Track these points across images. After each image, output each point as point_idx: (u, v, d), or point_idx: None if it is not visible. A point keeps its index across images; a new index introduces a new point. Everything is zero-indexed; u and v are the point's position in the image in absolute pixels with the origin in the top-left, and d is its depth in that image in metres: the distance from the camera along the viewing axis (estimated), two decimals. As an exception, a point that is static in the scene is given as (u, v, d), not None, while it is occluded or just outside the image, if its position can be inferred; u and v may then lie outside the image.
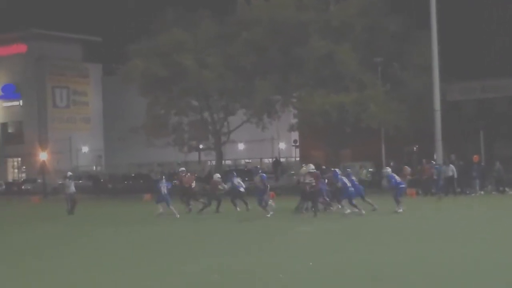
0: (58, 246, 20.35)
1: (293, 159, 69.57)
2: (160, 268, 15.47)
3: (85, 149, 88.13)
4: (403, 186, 28.26)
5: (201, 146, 62.68)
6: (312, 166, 27.63)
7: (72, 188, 33.57)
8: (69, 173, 36.15)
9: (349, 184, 27.05)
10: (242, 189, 30.81)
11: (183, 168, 32.92)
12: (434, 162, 37.42)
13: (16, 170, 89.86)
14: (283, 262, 15.44)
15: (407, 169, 36.86)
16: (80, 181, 63.65)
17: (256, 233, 22.04)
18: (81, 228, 26.15)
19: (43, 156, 68.70)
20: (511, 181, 40.38)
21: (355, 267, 14.55)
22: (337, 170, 29.12)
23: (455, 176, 37.95)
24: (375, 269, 14.24)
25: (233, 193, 30.92)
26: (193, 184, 32.19)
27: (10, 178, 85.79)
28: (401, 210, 26.85)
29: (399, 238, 19.41)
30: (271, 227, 23.80)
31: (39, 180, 69.47)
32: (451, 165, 38.06)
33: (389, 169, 29.35)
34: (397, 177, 28.19)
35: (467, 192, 38.57)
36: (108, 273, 15.14)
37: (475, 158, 41.04)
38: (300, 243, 19.12)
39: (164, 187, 29.42)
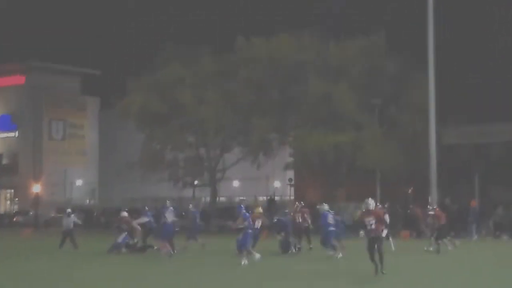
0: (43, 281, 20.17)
1: (287, 198, 69.46)
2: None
3: (79, 182, 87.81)
4: (332, 229, 26.70)
5: (195, 182, 62.57)
6: (370, 202, 20.95)
7: (70, 225, 33.44)
8: (69, 210, 35.92)
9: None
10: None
11: (125, 213, 32.31)
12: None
13: (8, 202, 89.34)
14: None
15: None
16: (73, 215, 63.13)
17: (252, 272, 21.84)
18: (68, 262, 25.89)
19: (36, 188, 68.51)
20: (507, 227, 40.65)
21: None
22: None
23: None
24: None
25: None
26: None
27: (2, 210, 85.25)
28: (339, 255, 25.96)
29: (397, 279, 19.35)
30: (267, 266, 23.62)
31: (31, 213, 69.09)
32: None
33: (326, 206, 27.95)
34: (330, 218, 26.91)
35: (462, 236, 38.46)
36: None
37: (473, 203, 41.10)
38: (301, 282, 19.03)
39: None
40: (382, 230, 20.79)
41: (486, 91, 46.71)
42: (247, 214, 24.81)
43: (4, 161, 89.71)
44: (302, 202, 33.87)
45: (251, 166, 57.04)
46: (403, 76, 48.43)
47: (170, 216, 28.37)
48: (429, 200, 44.15)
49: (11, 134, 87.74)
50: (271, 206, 58.38)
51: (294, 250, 28.71)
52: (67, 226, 33.42)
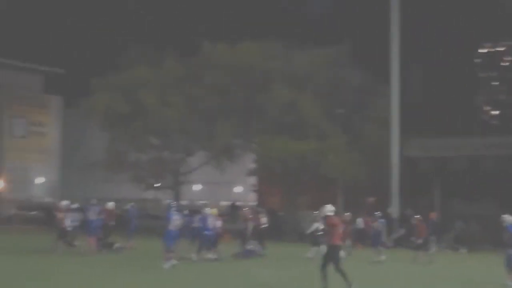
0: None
1: (249, 204, 69.64)
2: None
3: (40, 180, 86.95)
4: (207, 233, 26.95)
5: (158, 185, 62.32)
6: (328, 209, 18.94)
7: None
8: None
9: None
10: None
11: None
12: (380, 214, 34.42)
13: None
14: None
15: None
16: (33, 212, 63.03)
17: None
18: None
19: (-1, 184, 67.58)
20: (466, 240, 41.26)
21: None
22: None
23: None
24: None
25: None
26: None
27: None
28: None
29: None
30: (229, 269, 23.60)
31: (-9, 210, 68.38)
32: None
33: (208, 209, 28.09)
34: (210, 221, 27.01)
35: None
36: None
37: (433, 215, 41.44)
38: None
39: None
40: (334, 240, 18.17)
41: (448, 105, 47.22)
42: (171, 215, 24.33)
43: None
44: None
45: (214, 170, 56.96)
46: (367, 87, 48.79)
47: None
48: (388, 211, 44.64)
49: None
50: (233, 211, 58.46)
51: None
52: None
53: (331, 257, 17.73)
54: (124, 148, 57.17)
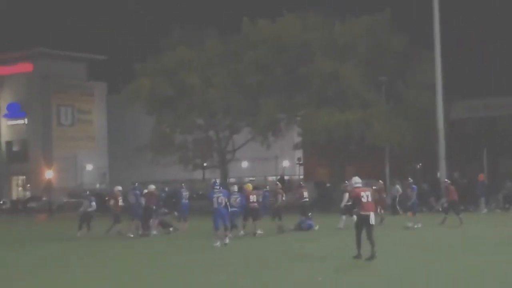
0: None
1: (296, 177, 69.93)
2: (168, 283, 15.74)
3: (89, 167, 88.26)
4: (234, 209, 26.14)
5: (205, 164, 62.94)
6: (355, 181, 19.01)
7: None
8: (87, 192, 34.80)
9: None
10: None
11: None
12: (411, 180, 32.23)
13: (20, 188, 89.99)
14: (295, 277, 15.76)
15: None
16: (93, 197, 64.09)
17: (262, 251, 22.22)
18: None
19: (48, 174, 68.93)
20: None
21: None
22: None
23: None
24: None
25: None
26: None
27: (14, 196, 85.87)
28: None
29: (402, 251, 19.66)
30: (275, 244, 24.13)
31: (44, 198, 69.76)
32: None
33: (235, 187, 27.77)
34: (233, 199, 26.12)
35: (471, 209, 38.84)
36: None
37: (481, 176, 41.37)
38: (308, 258, 19.41)
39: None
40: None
41: (491, 64, 46.89)
42: (212, 194, 23.69)
43: (14, 148, 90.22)
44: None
45: (260, 146, 57.33)
46: (408, 53, 48.70)
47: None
48: (438, 176, 44.64)
49: (20, 122, 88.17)
50: (282, 185, 58.74)
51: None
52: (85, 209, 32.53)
53: (362, 225, 18.28)
54: (170, 130, 57.77)
